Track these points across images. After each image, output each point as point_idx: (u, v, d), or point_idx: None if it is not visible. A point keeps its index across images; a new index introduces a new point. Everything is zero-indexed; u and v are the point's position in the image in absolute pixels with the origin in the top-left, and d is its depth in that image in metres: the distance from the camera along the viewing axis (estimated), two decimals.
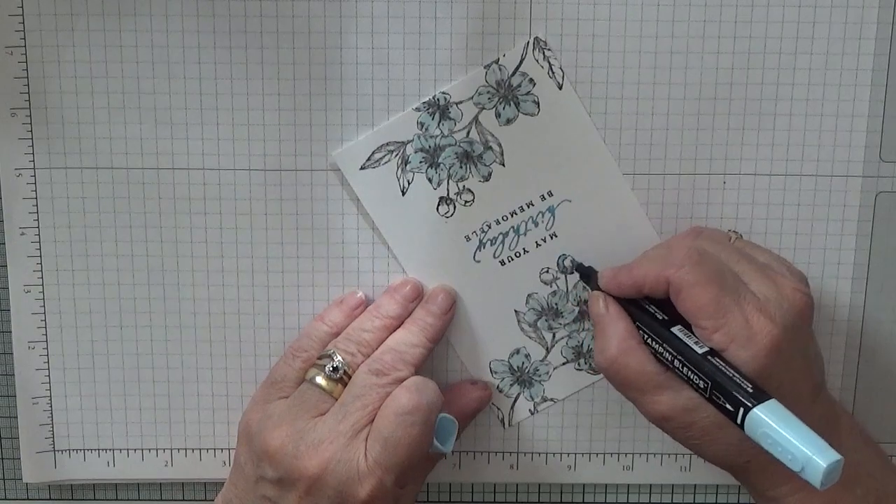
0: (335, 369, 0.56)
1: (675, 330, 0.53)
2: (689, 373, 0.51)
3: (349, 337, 0.57)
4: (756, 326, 0.51)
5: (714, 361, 0.51)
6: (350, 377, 0.56)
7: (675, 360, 0.52)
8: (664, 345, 0.53)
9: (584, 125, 0.58)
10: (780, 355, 0.51)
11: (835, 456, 0.46)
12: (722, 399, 0.50)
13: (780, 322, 0.51)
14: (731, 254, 0.55)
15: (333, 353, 0.56)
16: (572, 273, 0.60)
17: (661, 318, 0.54)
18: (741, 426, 0.48)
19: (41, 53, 0.57)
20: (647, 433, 0.62)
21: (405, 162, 0.58)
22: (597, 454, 0.63)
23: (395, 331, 0.58)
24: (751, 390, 0.49)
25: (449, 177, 0.59)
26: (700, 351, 0.51)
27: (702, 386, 0.51)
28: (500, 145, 0.58)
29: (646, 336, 0.54)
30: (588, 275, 0.59)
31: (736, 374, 0.50)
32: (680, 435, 0.53)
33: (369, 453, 0.54)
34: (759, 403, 0.48)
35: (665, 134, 0.58)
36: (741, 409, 0.48)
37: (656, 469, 0.63)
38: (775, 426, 0.47)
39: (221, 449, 0.63)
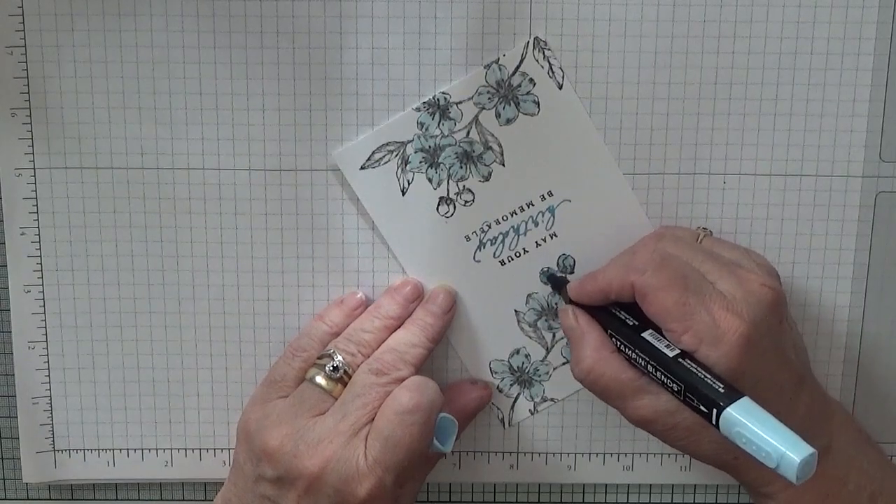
0: (335, 369, 0.56)
1: (647, 335, 0.53)
2: (663, 377, 0.51)
3: (349, 337, 0.57)
4: (724, 325, 0.51)
5: (685, 363, 0.51)
6: (350, 377, 0.56)
7: (649, 366, 0.52)
8: (637, 350, 0.53)
9: (584, 125, 0.58)
10: (751, 351, 0.51)
11: (808, 450, 0.45)
12: (696, 401, 0.50)
13: (748, 318, 0.51)
14: (695, 253, 0.55)
15: (334, 352, 0.56)
16: (573, 272, 0.60)
17: (632, 323, 0.54)
18: (717, 426, 0.48)
19: (41, 53, 0.57)
20: (647, 433, 0.62)
21: (405, 162, 0.58)
22: (597, 454, 0.63)
23: (395, 331, 0.58)
24: (722, 390, 0.49)
25: (449, 177, 0.59)
26: (671, 354, 0.51)
27: (676, 389, 0.51)
28: (500, 145, 0.58)
29: (619, 343, 0.54)
30: (560, 286, 0.59)
31: (707, 375, 0.50)
32: (666, 437, 0.54)
33: (369, 452, 0.53)
34: (730, 403, 0.48)
35: (665, 134, 0.58)
36: (714, 410, 0.48)
37: (656, 469, 0.63)
38: (748, 424, 0.47)
39: (221, 449, 0.63)
